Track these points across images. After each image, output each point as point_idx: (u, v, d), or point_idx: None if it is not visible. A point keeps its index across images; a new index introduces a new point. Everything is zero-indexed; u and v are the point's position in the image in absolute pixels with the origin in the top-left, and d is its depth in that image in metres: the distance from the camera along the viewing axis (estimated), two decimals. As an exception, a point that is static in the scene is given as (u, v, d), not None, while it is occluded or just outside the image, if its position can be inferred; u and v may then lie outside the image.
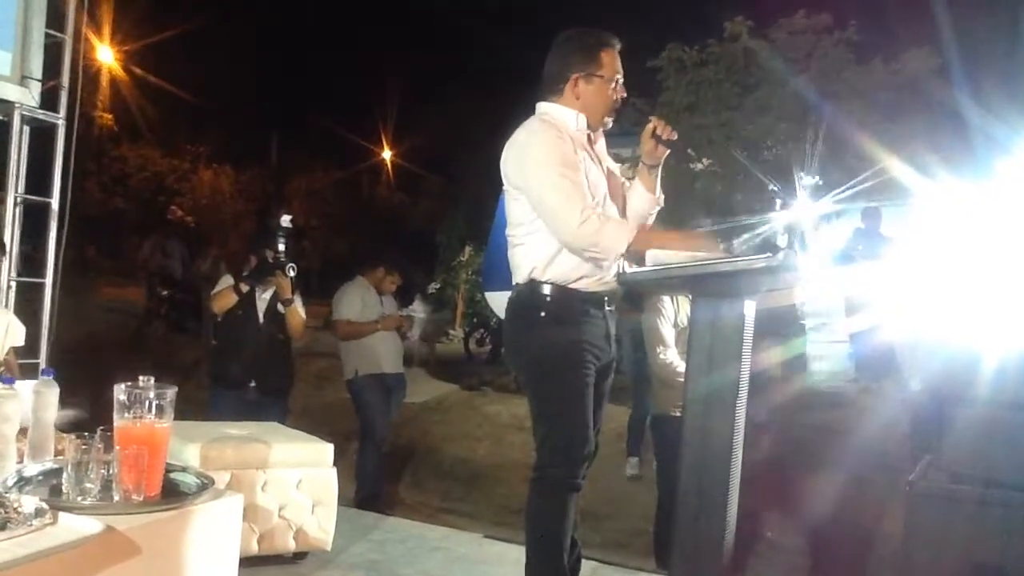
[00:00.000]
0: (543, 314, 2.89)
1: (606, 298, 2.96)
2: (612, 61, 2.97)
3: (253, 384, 5.18)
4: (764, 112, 10.15)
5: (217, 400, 5.24)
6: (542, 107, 3.02)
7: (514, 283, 3.00)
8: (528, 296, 2.93)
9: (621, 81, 3.00)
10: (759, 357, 2.74)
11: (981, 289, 3.50)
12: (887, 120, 9.58)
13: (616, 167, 3.19)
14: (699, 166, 10.35)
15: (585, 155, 2.94)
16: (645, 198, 3.08)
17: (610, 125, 3.07)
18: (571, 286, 2.89)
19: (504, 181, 2.99)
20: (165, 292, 12.82)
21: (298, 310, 5.32)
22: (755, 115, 10.18)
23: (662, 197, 3.12)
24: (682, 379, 2.67)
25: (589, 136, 3.02)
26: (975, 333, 3.27)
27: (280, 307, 5.24)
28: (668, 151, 2.99)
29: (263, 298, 5.28)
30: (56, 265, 4.97)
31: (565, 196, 2.78)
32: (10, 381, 2.32)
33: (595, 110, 2.98)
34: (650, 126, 2.93)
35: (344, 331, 6.03)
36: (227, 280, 5.31)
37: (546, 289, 2.89)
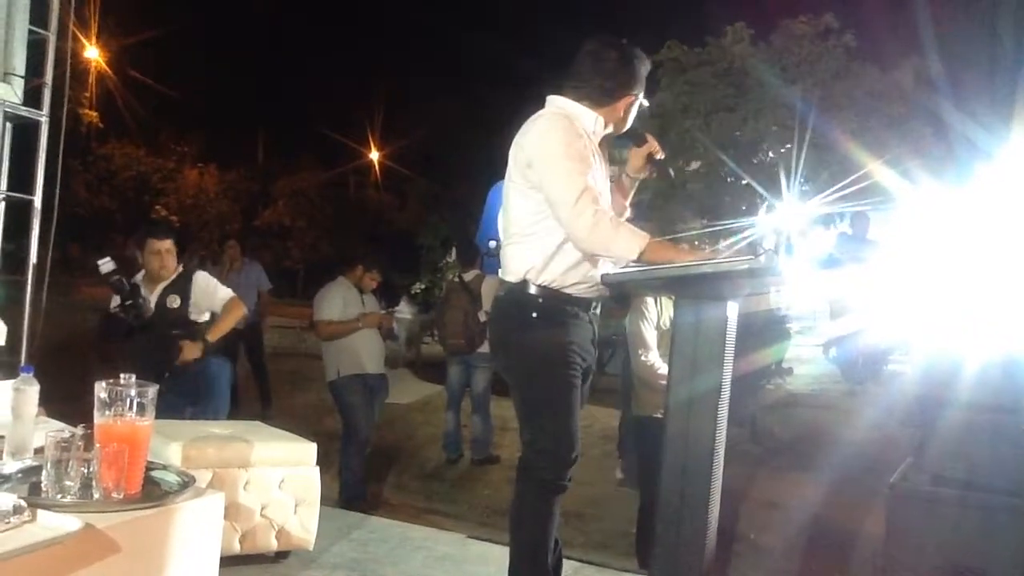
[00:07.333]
0: (535, 315, 2.86)
1: (593, 302, 2.96)
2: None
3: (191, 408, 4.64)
4: (758, 116, 10.17)
5: None
6: (560, 101, 2.96)
7: (504, 281, 2.98)
8: (518, 296, 2.90)
9: None
10: (742, 360, 2.75)
11: (964, 293, 3.52)
12: (881, 127, 9.62)
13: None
14: (691, 167, 10.37)
15: (597, 159, 2.93)
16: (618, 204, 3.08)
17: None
18: (560, 288, 2.87)
19: (512, 174, 2.92)
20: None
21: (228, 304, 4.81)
22: (749, 118, 10.20)
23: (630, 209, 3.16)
24: (664, 381, 2.67)
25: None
26: (957, 336, 3.30)
27: (169, 302, 4.71)
28: (655, 171, 3.04)
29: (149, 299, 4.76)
30: (40, 263, 4.92)
31: (579, 191, 2.72)
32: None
33: (623, 125, 3.01)
34: (646, 148, 3.00)
35: (326, 331, 6.01)
36: None
37: (537, 291, 2.87)
